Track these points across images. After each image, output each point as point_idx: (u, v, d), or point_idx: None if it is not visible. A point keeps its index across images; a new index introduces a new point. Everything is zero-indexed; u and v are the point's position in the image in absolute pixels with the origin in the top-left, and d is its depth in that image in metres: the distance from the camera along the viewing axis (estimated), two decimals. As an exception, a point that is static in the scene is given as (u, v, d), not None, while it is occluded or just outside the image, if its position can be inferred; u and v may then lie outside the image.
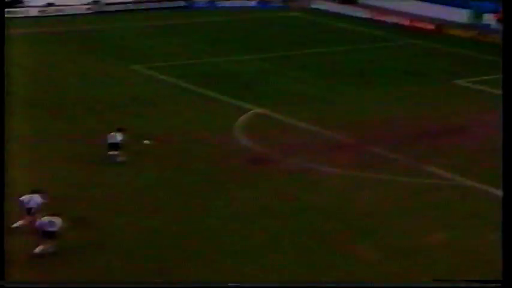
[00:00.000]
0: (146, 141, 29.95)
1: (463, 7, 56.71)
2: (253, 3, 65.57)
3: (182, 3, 65.42)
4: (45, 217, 21.44)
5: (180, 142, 31.61)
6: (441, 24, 55.45)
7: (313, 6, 64.45)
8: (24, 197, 22.53)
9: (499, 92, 39.72)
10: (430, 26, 55.73)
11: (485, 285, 14.31)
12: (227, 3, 65.41)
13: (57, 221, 21.31)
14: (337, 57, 48.16)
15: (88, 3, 63.09)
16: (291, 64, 45.98)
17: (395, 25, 57.19)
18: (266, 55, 48.02)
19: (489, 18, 55.33)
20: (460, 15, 56.33)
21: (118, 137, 28.50)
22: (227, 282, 18.48)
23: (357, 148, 31.11)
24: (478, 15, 55.98)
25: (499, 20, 54.70)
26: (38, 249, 21.00)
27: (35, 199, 22.48)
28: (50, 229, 21.08)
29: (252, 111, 35.79)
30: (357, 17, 60.12)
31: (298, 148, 31.00)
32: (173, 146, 30.95)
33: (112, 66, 45.03)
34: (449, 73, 43.78)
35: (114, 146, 28.47)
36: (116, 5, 63.45)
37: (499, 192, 26.61)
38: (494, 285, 13.56)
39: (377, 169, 28.63)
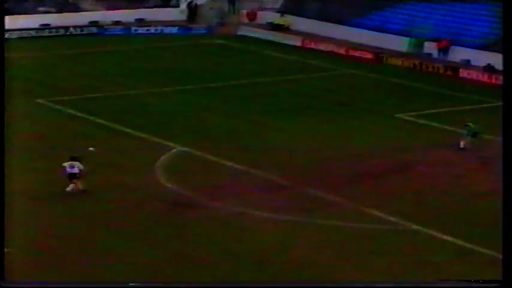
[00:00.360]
0: (91, 148, 32.19)
1: (403, 35, 57.95)
2: (173, 30, 65.61)
3: (93, 30, 64.94)
4: None
5: (94, 186, 31.14)
6: (380, 53, 56.51)
7: (241, 33, 64.84)
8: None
9: (444, 126, 40.81)
10: (369, 55, 56.74)
11: (485, 285, 15.24)
12: (144, 30, 65.25)
13: None
14: (268, 88, 48.45)
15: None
16: (217, 96, 46.03)
17: (331, 54, 58.00)
18: (188, 87, 47.97)
19: (430, 47, 56.67)
20: (400, 43, 57.54)
21: (76, 166, 30.04)
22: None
23: (292, 190, 31.20)
24: (419, 43, 57.26)
25: (440, 49, 56.11)
26: None
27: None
28: None
29: (174, 150, 35.61)
30: (289, 45, 60.70)
31: (226, 190, 30.95)
32: (86, 190, 30.55)
33: (13, 100, 44.04)
34: (391, 106, 44.50)
35: (73, 176, 30.14)
36: (17, 32, 62.35)
37: (447, 237, 27.12)
38: (494, 285, 14.64)
39: (315, 213, 28.76)
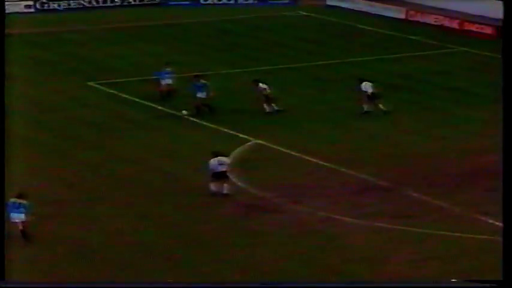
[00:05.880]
0: (184, 111, 38.27)
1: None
2: (249, 1, 65.91)
3: (156, 0, 65.57)
4: None
5: (152, 182, 31.99)
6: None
7: (330, 3, 64.84)
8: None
9: None
10: (488, 30, 56.04)
11: (485, 285, 17.16)
12: (214, 0, 65.71)
13: None
14: (361, 69, 48.26)
15: (28, -1, 63.45)
16: (299, 79, 46.18)
17: (441, 28, 57.53)
18: (265, 67, 48.21)
19: None
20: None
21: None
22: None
23: (388, 192, 31.34)
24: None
25: None
26: None
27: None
28: None
29: (249, 143, 36.11)
30: (389, 17, 60.42)
31: (309, 192, 31.25)
32: (143, 187, 31.49)
33: (62, 83, 45.31)
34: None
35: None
36: (65, 1, 63.63)
37: None
38: (494, 285, 16.46)
39: (417, 220, 28.85)
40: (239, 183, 31.85)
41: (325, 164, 33.76)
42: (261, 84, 39.79)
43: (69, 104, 41.90)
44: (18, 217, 27.34)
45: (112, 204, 30.31)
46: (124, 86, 44.35)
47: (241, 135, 36.92)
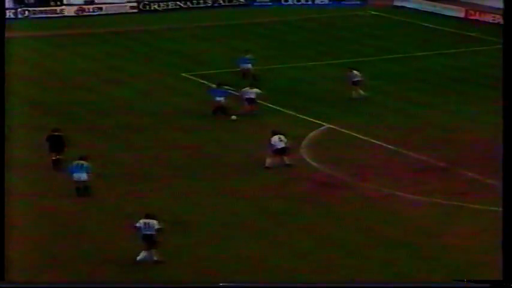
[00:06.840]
0: (233, 117, 36.69)
1: None
2: (324, 1, 65.83)
3: (242, 1, 65.91)
4: (141, 220, 23.92)
5: (238, 163, 32.03)
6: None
7: (397, 3, 64.37)
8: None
9: None
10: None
11: (485, 286, 16.34)
12: (294, 1, 65.79)
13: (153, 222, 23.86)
14: (422, 63, 48.04)
15: (132, 1, 64.24)
16: (368, 71, 45.87)
17: (498, 26, 56.59)
18: (338, 61, 48.09)
19: None
20: None
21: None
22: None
23: (445, 172, 31.02)
24: None
25: None
26: (140, 256, 23.65)
27: None
28: (148, 232, 23.89)
29: (322, 127, 36.01)
30: (450, 16, 59.88)
31: (375, 171, 31.07)
32: (227, 166, 31.58)
33: (160, 74, 45.79)
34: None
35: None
36: (164, 3, 64.43)
37: None
38: (493, 285, 15.72)
39: (471, 197, 28.52)
40: (313, 163, 31.77)
41: (389, 146, 33.57)
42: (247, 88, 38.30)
43: (165, 92, 42.30)
44: (78, 176, 28.16)
45: (197, 180, 30.31)
46: (213, 77, 44.55)
47: (315, 121, 36.82)
